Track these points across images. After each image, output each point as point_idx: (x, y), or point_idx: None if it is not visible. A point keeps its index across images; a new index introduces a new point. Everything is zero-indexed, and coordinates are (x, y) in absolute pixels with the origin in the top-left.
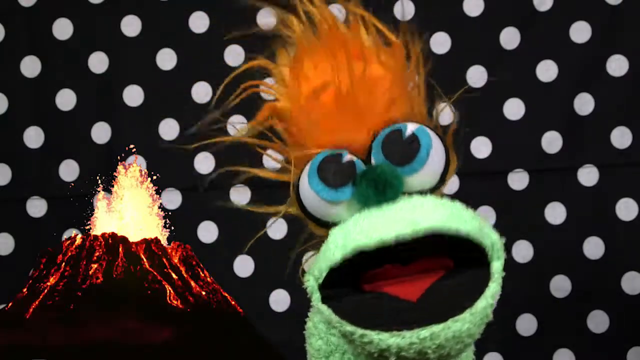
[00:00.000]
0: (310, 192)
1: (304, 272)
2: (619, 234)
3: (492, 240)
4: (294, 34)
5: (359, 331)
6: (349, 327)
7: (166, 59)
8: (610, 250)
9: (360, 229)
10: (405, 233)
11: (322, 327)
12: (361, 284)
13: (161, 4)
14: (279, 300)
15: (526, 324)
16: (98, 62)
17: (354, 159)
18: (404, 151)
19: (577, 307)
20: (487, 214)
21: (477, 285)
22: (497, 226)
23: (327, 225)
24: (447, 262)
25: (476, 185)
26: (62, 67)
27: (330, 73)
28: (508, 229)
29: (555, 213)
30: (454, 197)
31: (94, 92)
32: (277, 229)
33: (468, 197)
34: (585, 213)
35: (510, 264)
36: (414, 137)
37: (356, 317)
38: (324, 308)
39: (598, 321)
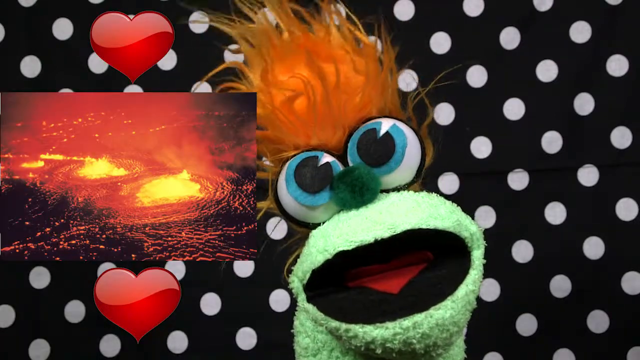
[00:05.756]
0: (289, 197)
1: (289, 272)
2: (619, 234)
3: (470, 231)
4: (265, 40)
5: (344, 326)
6: (334, 323)
7: (166, 59)
8: (610, 250)
9: (340, 232)
10: (384, 236)
11: (309, 324)
12: (346, 282)
13: (161, 4)
14: (279, 300)
15: (526, 324)
16: (98, 62)
17: (330, 160)
18: (380, 151)
19: (577, 307)
20: (487, 214)
21: (458, 274)
22: (497, 226)
23: (307, 226)
24: (427, 255)
25: (476, 185)
26: (62, 67)
27: (303, 78)
28: (508, 229)
29: (555, 213)
30: (454, 197)
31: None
32: (277, 229)
33: (468, 197)
34: (585, 213)
35: (510, 264)
36: (388, 136)
37: (340, 313)
38: (309, 307)
39: (598, 321)
